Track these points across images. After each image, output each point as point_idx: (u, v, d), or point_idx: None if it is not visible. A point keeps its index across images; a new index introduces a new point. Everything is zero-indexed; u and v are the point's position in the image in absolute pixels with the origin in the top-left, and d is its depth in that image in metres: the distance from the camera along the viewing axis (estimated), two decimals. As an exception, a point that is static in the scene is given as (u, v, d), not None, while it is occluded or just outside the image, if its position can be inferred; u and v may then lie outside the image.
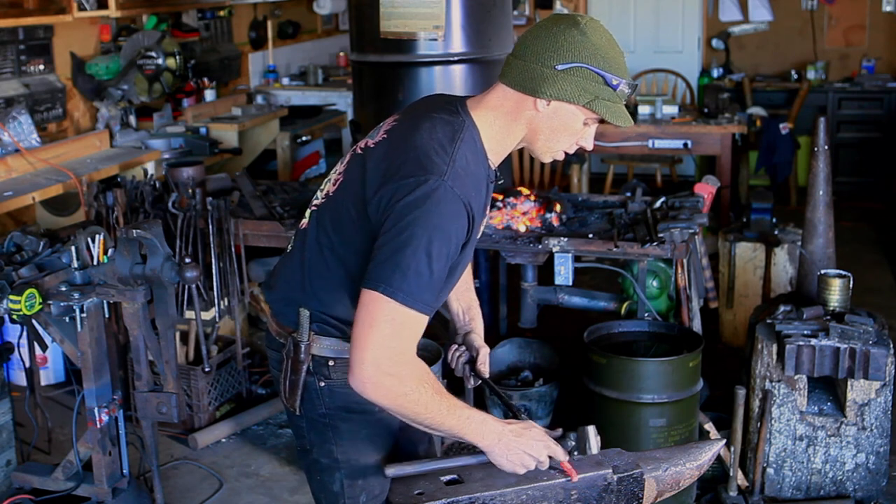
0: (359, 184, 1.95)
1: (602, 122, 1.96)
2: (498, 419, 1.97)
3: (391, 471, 2.02)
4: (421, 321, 1.86)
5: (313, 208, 2.07)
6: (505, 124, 1.97)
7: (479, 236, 2.04)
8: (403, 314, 1.82)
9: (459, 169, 1.88)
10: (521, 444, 1.95)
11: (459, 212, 1.86)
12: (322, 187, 2.09)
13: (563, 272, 3.69)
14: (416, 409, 1.87)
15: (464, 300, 2.31)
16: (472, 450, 2.03)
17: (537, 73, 1.90)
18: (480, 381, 2.28)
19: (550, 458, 1.98)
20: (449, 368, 2.39)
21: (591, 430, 2.05)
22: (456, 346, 2.28)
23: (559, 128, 1.95)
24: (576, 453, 2.04)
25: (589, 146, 2.01)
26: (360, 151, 2.02)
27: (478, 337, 2.28)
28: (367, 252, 1.90)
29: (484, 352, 2.24)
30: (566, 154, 2.02)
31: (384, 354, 1.82)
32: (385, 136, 2.00)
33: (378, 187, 1.89)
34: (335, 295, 2.00)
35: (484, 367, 2.24)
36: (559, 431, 2.03)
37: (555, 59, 1.89)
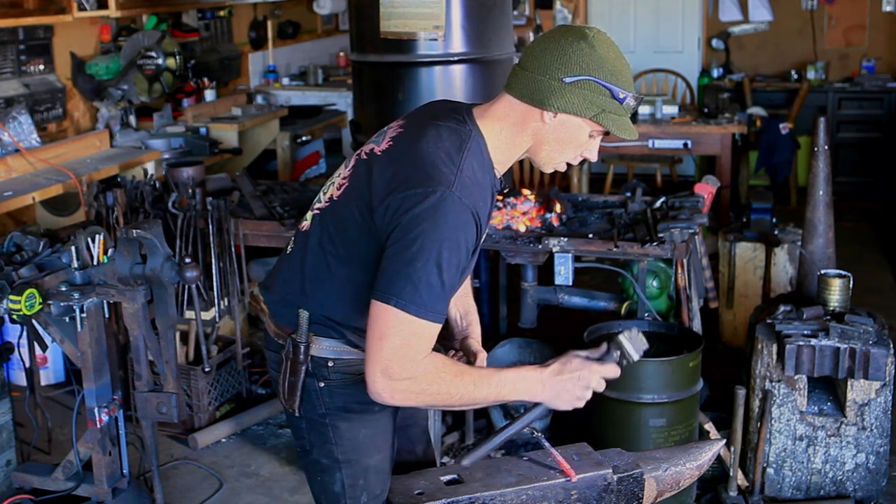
0: (365, 190, 1.95)
1: (606, 134, 1.96)
2: (533, 367, 1.98)
3: (467, 461, 2.03)
4: (434, 330, 1.87)
5: (315, 211, 2.07)
6: (511, 135, 1.98)
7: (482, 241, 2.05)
8: (415, 325, 1.84)
9: (467, 178, 1.89)
10: (567, 381, 1.97)
11: (468, 221, 1.87)
12: (325, 190, 2.09)
13: (563, 272, 3.69)
14: (443, 398, 1.90)
15: (461, 305, 2.31)
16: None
17: (545, 86, 1.90)
18: None
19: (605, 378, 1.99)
20: None
21: (625, 338, 2.01)
22: (453, 350, 2.28)
23: (564, 140, 1.96)
24: (624, 362, 2.00)
25: (593, 158, 2.02)
26: (364, 157, 2.02)
27: (475, 342, 2.28)
28: (371, 257, 1.91)
29: (481, 356, 2.24)
30: (567, 164, 2.03)
31: (394, 364, 1.84)
32: (391, 142, 1.99)
33: (385, 196, 1.89)
34: (336, 297, 2.00)
35: None
36: (602, 348, 2.02)
37: (562, 71, 1.89)
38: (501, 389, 1.94)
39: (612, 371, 2.00)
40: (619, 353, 2.00)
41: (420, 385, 1.86)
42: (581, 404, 1.99)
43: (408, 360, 1.84)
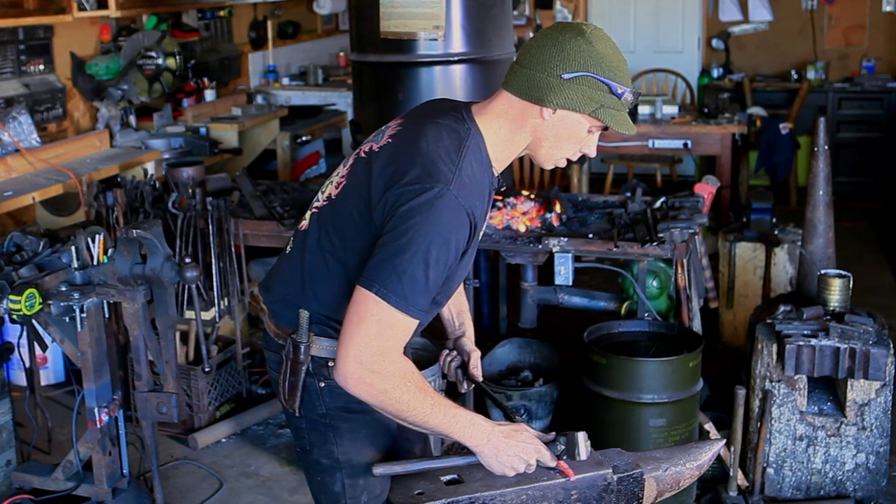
0: (363, 188, 1.95)
1: (605, 129, 1.96)
2: (488, 420, 1.97)
3: (379, 469, 2.02)
4: (410, 325, 1.87)
5: (314, 210, 2.07)
6: (510, 132, 1.98)
7: (477, 241, 2.04)
8: (393, 316, 1.84)
9: (465, 177, 1.89)
10: (510, 447, 1.95)
11: (462, 221, 1.87)
12: (323, 189, 2.09)
13: (563, 272, 3.69)
14: (398, 406, 1.89)
15: (454, 305, 2.30)
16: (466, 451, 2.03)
17: (543, 82, 1.90)
18: (474, 385, 2.28)
19: (539, 462, 1.98)
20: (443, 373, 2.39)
21: (581, 437, 2.03)
22: (447, 350, 2.27)
23: (564, 136, 1.96)
24: (565, 457, 2.03)
25: (592, 153, 2.02)
26: (363, 155, 2.02)
27: (468, 341, 2.28)
28: (369, 255, 1.91)
29: (475, 355, 2.23)
30: (568, 161, 2.03)
31: (368, 352, 1.84)
32: (390, 140, 2.00)
33: (383, 192, 1.89)
34: (335, 297, 2.00)
35: (476, 370, 2.23)
36: (552, 435, 2.03)
37: (560, 67, 1.89)
38: (452, 425, 1.93)
39: (550, 460, 1.99)
40: (564, 447, 2.01)
41: (385, 384, 1.86)
42: (510, 474, 1.97)
43: (381, 350, 1.84)
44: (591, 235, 3.65)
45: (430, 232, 1.83)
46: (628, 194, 4.16)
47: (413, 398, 1.88)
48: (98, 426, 3.10)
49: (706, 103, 6.13)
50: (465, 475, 2.08)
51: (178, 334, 3.92)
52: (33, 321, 3.14)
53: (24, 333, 3.34)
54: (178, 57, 5.32)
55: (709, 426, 3.62)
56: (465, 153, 1.92)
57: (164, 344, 3.09)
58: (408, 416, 1.90)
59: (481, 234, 2.05)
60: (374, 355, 1.84)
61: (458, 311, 2.31)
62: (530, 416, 3.75)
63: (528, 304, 3.86)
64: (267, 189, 4.40)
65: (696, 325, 3.80)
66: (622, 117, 1.94)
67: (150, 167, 4.76)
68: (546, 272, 3.78)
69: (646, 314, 3.67)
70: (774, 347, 3.29)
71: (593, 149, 2.02)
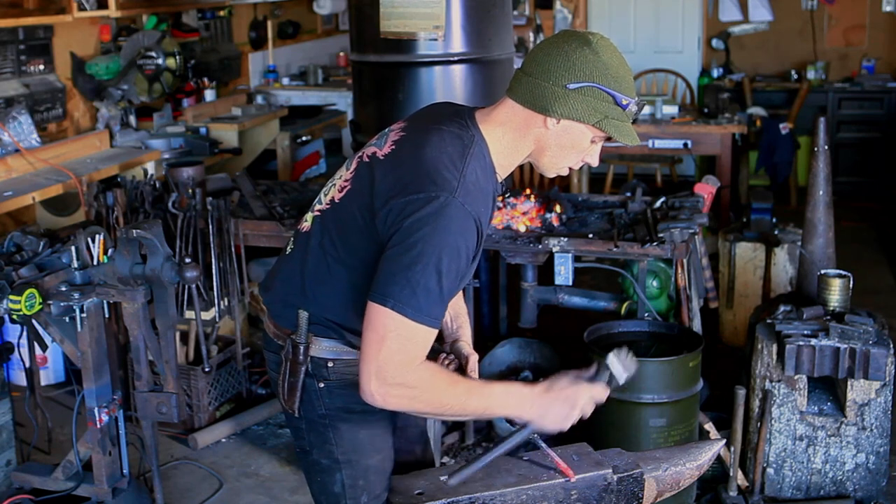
0: (367, 194, 1.95)
1: (609, 139, 1.96)
2: (524, 384, 1.99)
3: (454, 480, 2.02)
4: (430, 335, 1.87)
5: (316, 213, 2.07)
6: (513, 140, 1.98)
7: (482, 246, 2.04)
8: (412, 329, 1.83)
9: (469, 184, 1.89)
10: (554, 402, 1.96)
11: (469, 228, 1.87)
12: (326, 192, 2.09)
13: (563, 272, 3.69)
14: (434, 406, 1.90)
15: (452, 307, 2.28)
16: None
17: (548, 92, 1.91)
18: None
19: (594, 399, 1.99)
20: None
21: (613, 358, 2.00)
22: (444, 354, 2.27)
23: (567, 145, 1.96)
24: (613, 383, 2.00)
25: (594, 163, 2.03)
26: (367, 160, 2.01)
27: (466, 344, 2.27)
28: (371, 260, 1.91)
29: (473, 359, 2.23)
30: (570, 169, 2.03)
31: (390, 368, 1.84)
32: (393, 146, 1.99)
33: (387, 200, 1.89)
34: (336, 299, 2.00)
35: (474, 374, 2.23)
36: (592, 368, 2.02)
37: (566, 77, 1.89)
38: (491, 403, 1.94)
39: (601, 392, 1.99)
40: (608, 373, 2.00)
41: (413, 391, 1.86)
42: (567, 425, 1.98)
43: (403, 364, 1.84)
44: (591, 235, 3.65)
45: (439, 242, 1.82)
46: (628, 194, 4.16)
47: (445, 394, 1.89)
48: (98, 426, 3.10)
49: (706, 103, 6.13)
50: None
51: (178, 334, 3.92)
52: (33, 321, 3.14)
53: (24, 333, 3.34)
54: (178, 57, 5.32)
55: (709, 426, 3.62)
56: (469, 159, 1.92)
57: (164, 344, 3.09)
58: (447, 412, 1.92)
59: (484, 238, 2.06)
60: (398, 369, 1.84)
61: (455, 313, 2.30)
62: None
63: (528, 304, 3.86)
64: (267, 189, 4.40)
65: (696, 325, 3.80)
66: (626, 128, 1.94)
67: (150, 167, 4.76)
68: (546, 272, 3.78)
69: (646, 314, 3.67)
70: (774, 347, 3.29)
71: (596, 158, 2.02)
